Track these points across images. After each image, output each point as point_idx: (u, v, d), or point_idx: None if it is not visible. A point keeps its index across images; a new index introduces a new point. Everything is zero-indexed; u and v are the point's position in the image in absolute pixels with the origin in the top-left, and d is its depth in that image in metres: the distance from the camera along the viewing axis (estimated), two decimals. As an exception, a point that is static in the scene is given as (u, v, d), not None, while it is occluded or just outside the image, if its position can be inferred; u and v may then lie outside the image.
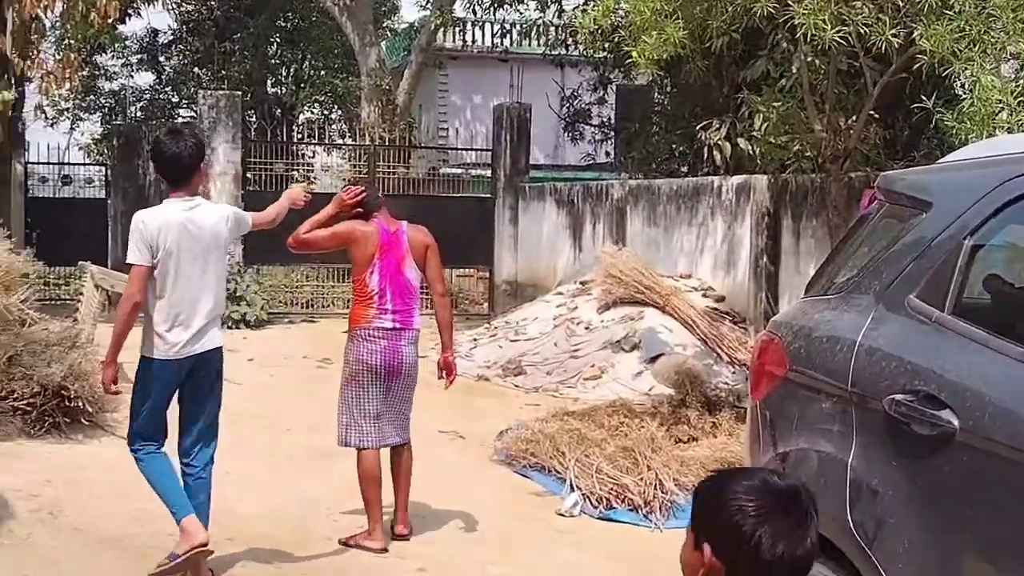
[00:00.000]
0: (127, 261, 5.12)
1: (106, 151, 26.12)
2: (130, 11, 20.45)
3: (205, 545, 5.04)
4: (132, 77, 29.78)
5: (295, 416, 9.36)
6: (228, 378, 10.57)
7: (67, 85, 13.51)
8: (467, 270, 18.89)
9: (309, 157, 21.46)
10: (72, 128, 29.90)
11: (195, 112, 24.23)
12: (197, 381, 5.27)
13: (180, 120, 25.38)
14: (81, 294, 10.61)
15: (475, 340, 13.41)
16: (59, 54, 20.75)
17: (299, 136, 21.43)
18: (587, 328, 12.03)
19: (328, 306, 16.90)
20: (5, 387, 7.76)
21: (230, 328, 14.40)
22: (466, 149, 20.55)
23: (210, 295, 5.22)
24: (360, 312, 6.09)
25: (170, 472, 5.21)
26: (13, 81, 13.39)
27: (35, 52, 13.51)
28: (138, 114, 28.65)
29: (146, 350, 5.15)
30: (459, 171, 19.12)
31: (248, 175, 16.23)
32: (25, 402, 7.73)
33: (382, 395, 6.14)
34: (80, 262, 11.30)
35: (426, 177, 19.02)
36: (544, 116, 20.50)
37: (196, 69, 28.05)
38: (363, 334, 6.07)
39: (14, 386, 7.79)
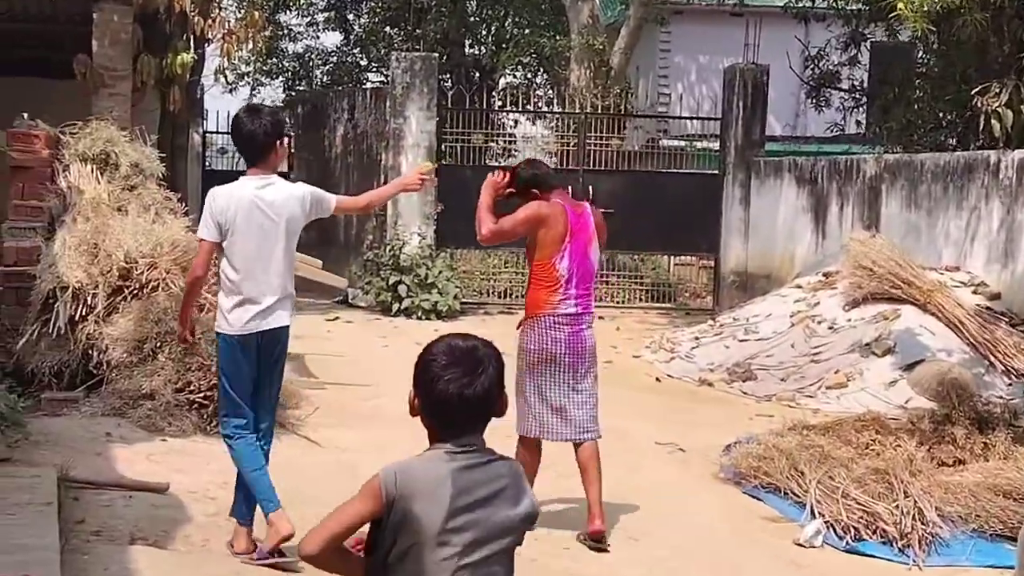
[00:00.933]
0: (197, 236, 5.90)
1: (289, 120, 27.17)
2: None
3: (290, 538, 5.53)
4: (318, 37, 30.86)
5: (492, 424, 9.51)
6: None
7: (249, 46, 14.11)
8: (688, 258, 18.78)
9: (510, 127, 21.74)
10: (252, 94, 31.18)
11: (385, 76, 24.94)
12: (260, 359, 5.81)
13: (370, 85, 26.06)
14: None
15: (697, 338, 13.35)
16: (241, 12, 21.71)
17: (499, 103, 21.67)
18: (831, 328, 11.82)
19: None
20: (181, 378, 8.12)
21: (419, 319, 14.81)
22: (690, 118, 20.34)
23: (279, 275, 5.74)
24: (543, 297, 6.45)
25: (257, 460, 5.79)
26: (192, 42, 14.08)
27: (216, 10, 14.16)
28: (323, 79, 29.62)
29: (217, 325, 5.86)
30: (681, 143, 18.99)
31: (443, 147, 16.56)
32: (202, 395, 8.03)
33: (567, 385, 6.49)
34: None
35: (643, 150, 19.01)
36: (783, 79, 20.14)
37: (387, 28, 28.78)
38: (547, 321, 6.42)
39: (190, 377, 8.11)
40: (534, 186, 6.57)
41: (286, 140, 5.92)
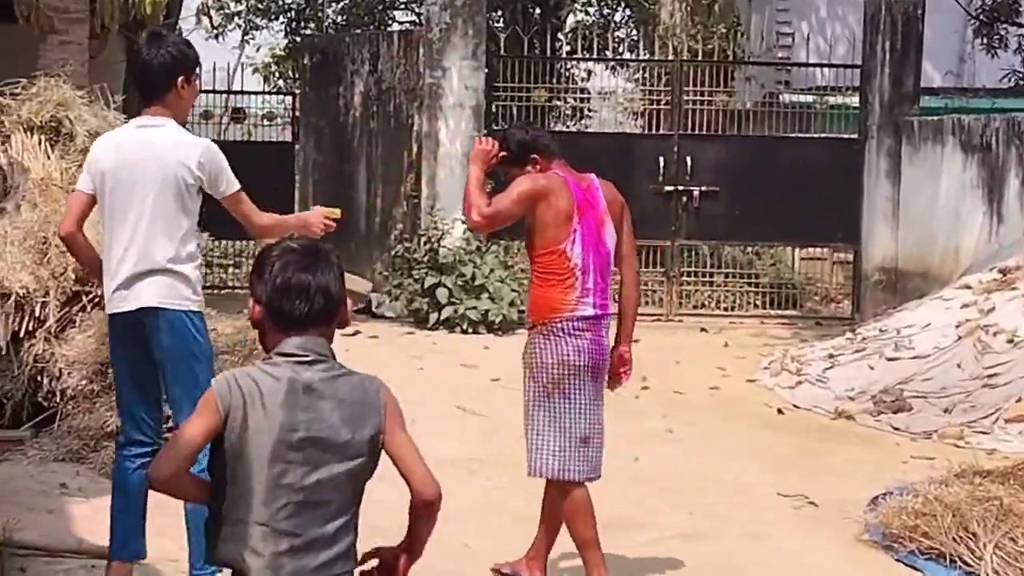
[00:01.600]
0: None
1: (292, 74, 27.18)
2: None
3: None
4: (330, -35, 30.96)
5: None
6: (464, 407, 11.06)
7: (239, -22, 14.19)
8: (819, 250, 18.68)
9: (582, 79, 21.75)
10: (244, 41, 31.30)
11: (418, 15, 24.98)
12: (133, 353, 6.11)
13: (396, 28, 26.16)
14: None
15: (831, 356, 13.30)
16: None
17: (567, 48, 21.67)
18: (1010, 342, 11.77)
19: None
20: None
21: (464, 332, 14.85)
22: (821, 65, 20.17)
23: (144, 239, 5.97)
24: (557, 296, 6.56)
25: (126, 491, 6.13)
26: (168, -26, 14.23)
27: (196, -70, 14.33)
28: (337, 19, 29.72)
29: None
30: (809, 98, 18.89)
31: (493, 107, 16.61)
32: (184, 431, 8.13)
33: (591, 407, 6.67)
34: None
35: (757, 108, 18.92)
36: (944, 14, 20.00)
37: (419, -50, 28.90)
38: (566, 327, 6.54)
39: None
40: (532, 151, 6.66)
41: (194, 79, 6.18)
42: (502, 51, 17.05)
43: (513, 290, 15.32)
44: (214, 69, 19.73)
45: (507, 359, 13.27)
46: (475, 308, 15.05)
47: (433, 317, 15.15)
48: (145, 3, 13.66)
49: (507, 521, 8.18)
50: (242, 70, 21.53)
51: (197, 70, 6.24)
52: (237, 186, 6.16)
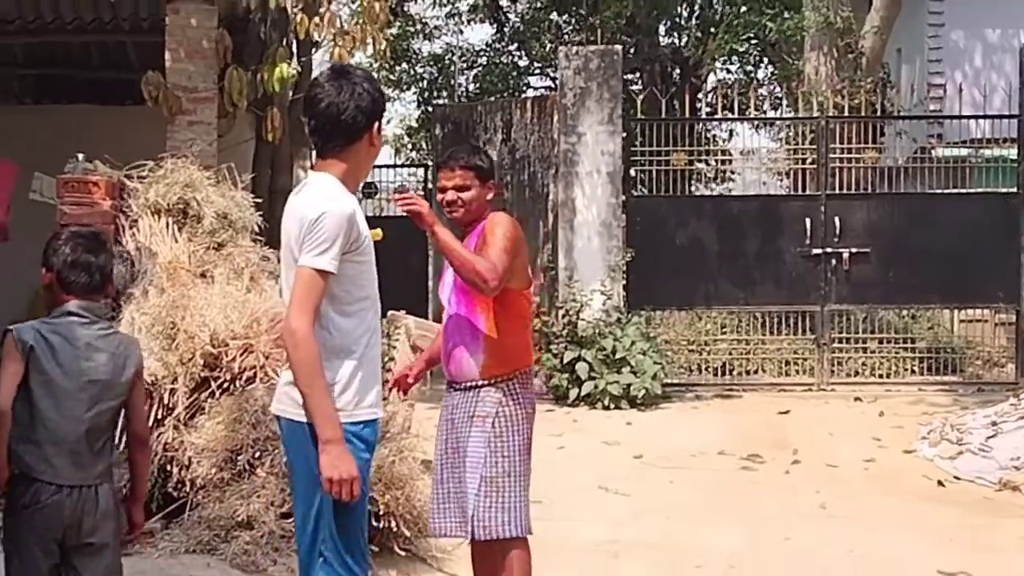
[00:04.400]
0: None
1: (425, 145, 27.39)
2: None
3: None
4: (462, 33, 31.25)
5: (708, 545, 9.50)
6: (607, 486, 11.02)
7: (369, 49, 14.29)
8: (979, 311, 18.36)
9: (723, 140, 21.68)
10: (378, 114, 31.68)
11: (553, 80, 25.11)
12: None
13: (532, 93, 26.31)
14: (392, 359, 11.16)
15: (994, 424, 13.08)
16: (356, 3, 22.11)
17: (707, 109, 21.65)
18: None
19: (755, 371, 17.10)
20: (287, 499, 8.17)
21: (606, 408, 14.83)
22: (975, 117, 19.95)
23: None
24: (523, 344, 6.75)
25: None
26: (296, 48, 14.37)
27: (325, 4, 14.50)
28: (470, 87, 29.95)
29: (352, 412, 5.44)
30: (963, 152, 18.65)
31: (631, 172, 16.64)
32: (315, 520, 8.16)
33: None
34: (391, 312, 11.86)
35: (909, 164, 18.72)
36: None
37: (554, 16, 29.00)
38: (526, 376, 6.76)
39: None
40: (491, 178, 6.73)
41: (376, 126, 5.46)
42: (639, 114, 17.09)
43: (656, 363, 15.30)
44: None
45: (650, 436, 13.40)
46: (616, 382, 15.05)
47: (573, 393, 15.17)
48: (273, 80, 13.83)
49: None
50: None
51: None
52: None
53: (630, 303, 16.03)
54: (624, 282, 16.12)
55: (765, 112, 22.21)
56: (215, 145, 13.01)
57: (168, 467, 8.50)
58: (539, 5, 29.51)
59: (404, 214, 6.34)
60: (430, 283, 18.82)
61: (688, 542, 9.61)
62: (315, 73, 16.70)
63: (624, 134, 16.43)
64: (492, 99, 24.50)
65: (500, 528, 6.57)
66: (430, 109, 28.07)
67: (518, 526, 6.62)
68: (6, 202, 11.91)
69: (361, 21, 14.18)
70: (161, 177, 9.99)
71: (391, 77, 30.55)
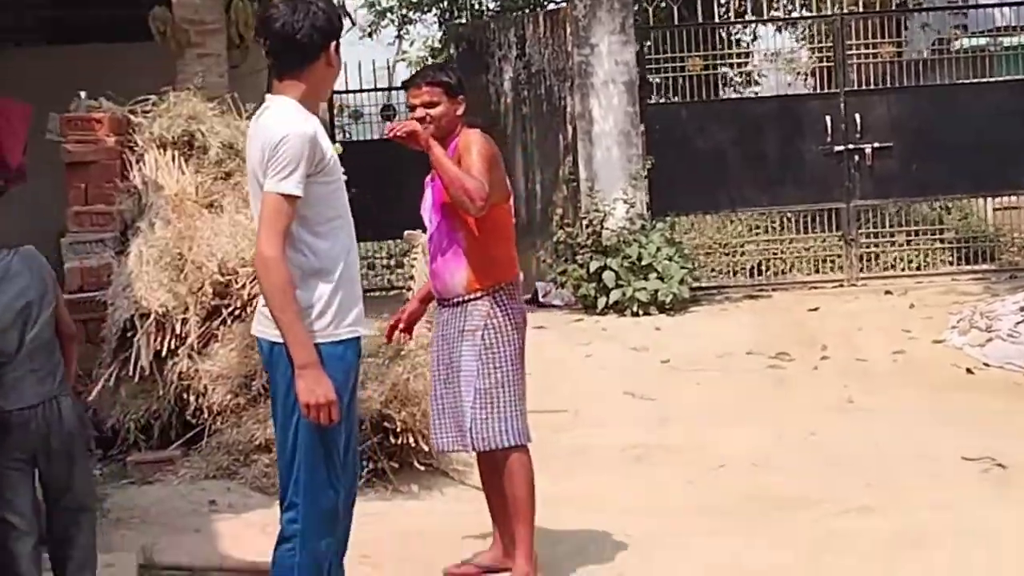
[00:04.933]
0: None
1: (442, 72, 27.29)
2: None
3: None
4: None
5: (731, 446, 9.56)
6: (632, 392, 11.07)
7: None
8: (1007, 198, 18.24)
9: (746, 44, 21.47)
10: (400, 35, 31.51)
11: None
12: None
13: (550, 6, 26.13)
14: (412, 278, 11.19)
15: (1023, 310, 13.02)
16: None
17: (722, 13, 21.36)
18: None
19: (786, 271, 17.07)
20: (303, 420, 8.32)
21: (635, 315, 14.82)
22: (1000, 4, 19.71)
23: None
24: (506, 255, 6.79)
25: None
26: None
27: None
28: (490, 6, 29.70)
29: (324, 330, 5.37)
30: (982, 41, 18.48)
31: (649, 79, 16.56)
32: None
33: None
34: (407, 232, 11.86)
35: (931, 57, 18.55)
36: None
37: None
38: (513, 288, 6.78)
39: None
40: (460, 93, 6.81)
41: (334, 46, 5.36)
42: (651, 22, 16.99)
43: (683, 267, 15.21)
44: (374, 67, 19.77)
45: (678, 340, 13.43)
46: (644, 289, 14.97)
47: (601, 302, 15.11)
48: (280, 7, 13.79)
49: (674, 508, 8.18)
50: (388, 68, 21.61)
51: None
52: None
53: (653, 210, 15.95)
54: (648, 188, 16.07)
55: (790, 13, 21.96)
56: (225, 77, 12.98)
57: (184, 395, 8.62)
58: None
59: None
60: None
61: (711, 443, 9.67)
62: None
63: (638, 43, 16.27)
64: (511, 15, 24.37)
65: (498, 438, 6.63)
66: (448, 29, 27.88)
67: (515, 434, 6.68)
68: (23, 143, 11.99)
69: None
70: (165, 110, 10.05)
71: (411, 0, 30.31)
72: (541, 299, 16.05)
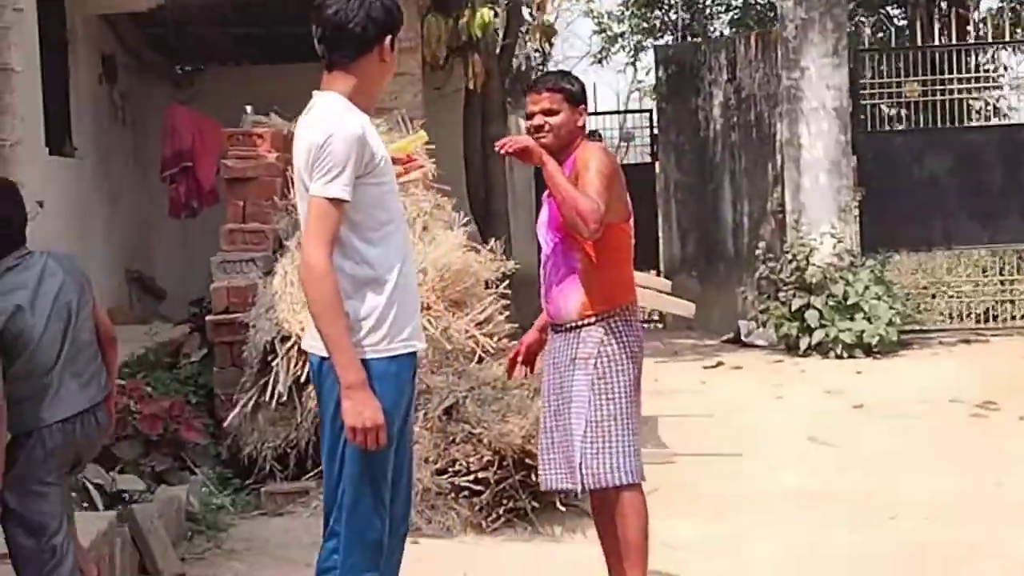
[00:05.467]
0: None
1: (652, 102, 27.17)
2: None
3: None
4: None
5: (909, 494, 9.07)
6: (815, 436, 10.60)
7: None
8: None
9: (986, 68, 20.62)
10: (632, 61, 31.40)
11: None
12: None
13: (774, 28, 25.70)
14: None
15: None
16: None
17: (941, 34, 20.50)
18: None
19: (1008, 318, 16.40)
20: (442, 455, 8.07)
21: (839, 357, 14.46)
22: None
23: None
24: (623, 278, 6.41)
25: None
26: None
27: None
28: (724, 31, 29.34)
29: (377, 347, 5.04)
30: None
31: (860, 106, 16.14)
32: (472, 478, 8.00)
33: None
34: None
35: None
36: None
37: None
38: (629, 313, 6.37)
39: (455, 453, 8.07)
40: (582, 102, 6.42)
41: (389, 40, 5.02)
42: (866, 45, 16.51)
43: (891, 308, 14.74)
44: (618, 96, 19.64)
45: (877, 384, 13.04)
46: (849, 330, 14.57)
47: (804, 342, 14.76)
48: (475, 26, 13.68)
49: (824, 557, 7.75)
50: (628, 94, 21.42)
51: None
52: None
53: (863, 246, 15.42)
54: (859, 222, 15.52)
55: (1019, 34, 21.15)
56: (420, 96, 12.85)
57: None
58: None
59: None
60: (660, 229, 18.50)
61: (889, 492, 9.16)
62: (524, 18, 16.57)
63: (851, 66, 15.85)
64: (712, 38, 24.10)
65: (609, 475, 6.22)
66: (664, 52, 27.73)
67: (628, 472, 6.24)
68: (216, 164, 11.98)
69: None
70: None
71: (644, 25, 30.15)
72: (744, 338, 15.89)
